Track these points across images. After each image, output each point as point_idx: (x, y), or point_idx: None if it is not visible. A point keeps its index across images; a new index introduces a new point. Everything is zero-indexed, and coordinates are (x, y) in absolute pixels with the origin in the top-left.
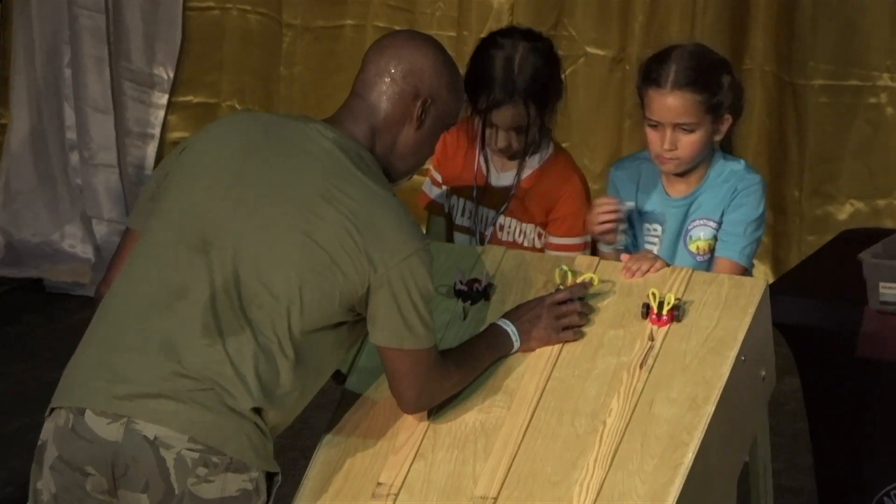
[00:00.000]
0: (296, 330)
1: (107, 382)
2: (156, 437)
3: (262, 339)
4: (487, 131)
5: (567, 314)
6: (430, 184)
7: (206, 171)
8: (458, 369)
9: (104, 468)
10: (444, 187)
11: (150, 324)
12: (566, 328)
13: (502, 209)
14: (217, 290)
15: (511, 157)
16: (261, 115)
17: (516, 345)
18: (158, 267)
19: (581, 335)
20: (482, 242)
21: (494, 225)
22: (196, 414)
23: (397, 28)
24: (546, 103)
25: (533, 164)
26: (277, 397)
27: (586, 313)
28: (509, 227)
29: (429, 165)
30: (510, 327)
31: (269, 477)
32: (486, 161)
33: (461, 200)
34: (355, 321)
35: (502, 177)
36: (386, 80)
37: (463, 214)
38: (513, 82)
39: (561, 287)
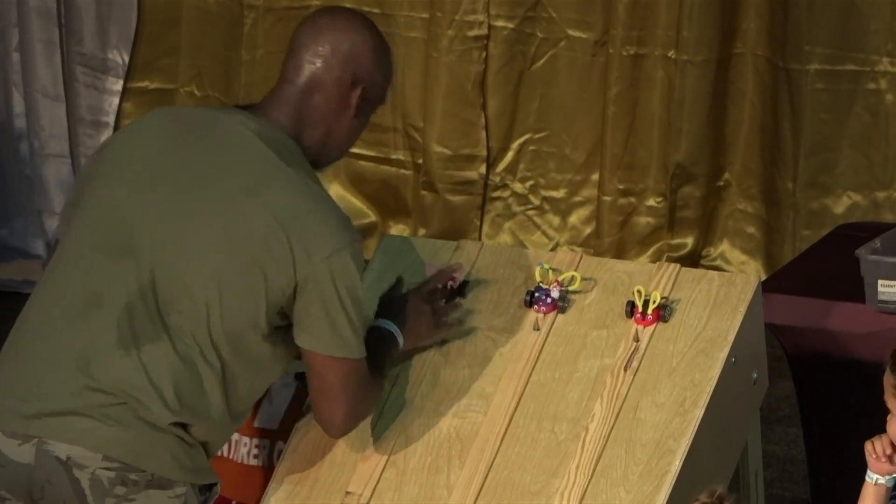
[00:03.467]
0: (217, 336)
1: (17, 401)
2: (68, 458)
3: (181, 347)
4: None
5: (443, 307)
6: None
7: (122, 173)
8: (375, 384)
9: (21, 492)
10: None
11: (64, 335)
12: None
13: None
14: (133, 296)
15: None
16: (180, 110)
17: (401, 343)
18: (75, 275)
19: (458, 330)
20: None
21: None
22: (110, 430)
23: (365, 9)
24: None
25: None
26: (201, 410)
27: (456, 304)
28: None
29: None
30: (392, 327)
31: (208, 487)
32: None
33: None
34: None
35: None
36: (320, 65)
37: None
38: None
39: (542, 284)
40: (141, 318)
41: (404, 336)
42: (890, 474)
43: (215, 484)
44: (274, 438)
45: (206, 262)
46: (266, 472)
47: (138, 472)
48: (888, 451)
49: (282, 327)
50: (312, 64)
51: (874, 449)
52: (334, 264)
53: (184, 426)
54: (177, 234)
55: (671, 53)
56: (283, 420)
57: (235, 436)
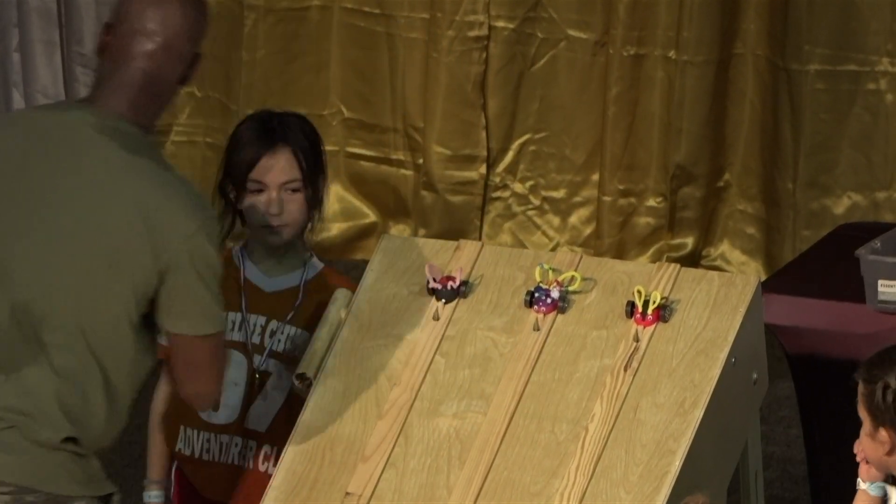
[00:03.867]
0: (94, 342)
1: None
2: None
3: (60, 363)
4: (250, 207)
5: None
6: None
7: None
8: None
9: None
10: None
11: None
12: None
13: (288, 317)
14: (5, 322)
15: (282, 241)
16: (20, 117)
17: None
18: None
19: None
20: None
21: (264, 333)
22: (0, 456)
23: (366, 10)
24: (317, 169)
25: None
26: (88, 420)
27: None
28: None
29: None
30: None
31: (107, 498)
32: (244, 262)
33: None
34: None
35: (273, 282)
36: (155, 45)
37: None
38: (281, 130)
39: (542, 285)
40: (16, 341)
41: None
42: (874, 481)
43: (113, 493)
44: (262, 441)
45: (71, 273)
46: (250, 473)
47: (34, 493)
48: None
49: (148, 315)
50: (148, 45)
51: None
52: (192, 246)
53: (74, 440)
54: (38, 250)
55: (671, 54)
56: (273, 423)
57: (225, 438)
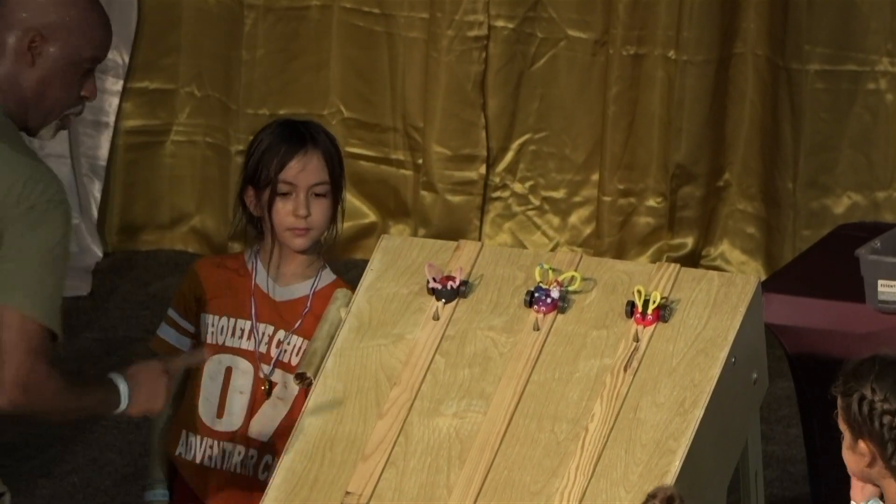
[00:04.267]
0: None
1: None
2: None
3: None
4: (277, 210)
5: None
6: (176, 334)
7: None
8: (68, 385)
9: None
10: (191, 340)
11: None
12: None
13: (296, 326)
14: None
15: (306, 244)
16: None
17: (123, 403)
18: None
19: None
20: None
21: (271, 343)
22: None
23: (365, 9)
24: (341, 176)
25: (322, 277)
26: None
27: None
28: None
29: (173, 314)
30: (122, 384)
31: None
32: (256, 268)
33: (232, 321)
34: None
35: (283, 290)
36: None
37: (234, 335)
38: (309, 134)
39: (542, 284)
40: None
41: (132, 399)
42: (867, 499)
43: (3, 493)
44: (263, 450)
45: None
46: (250, 482)
47: None
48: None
49: None
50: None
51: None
52: (38, 218)
53: None
54: None
55: (671, 53)
56: (275, 433)
57: (228, 445)
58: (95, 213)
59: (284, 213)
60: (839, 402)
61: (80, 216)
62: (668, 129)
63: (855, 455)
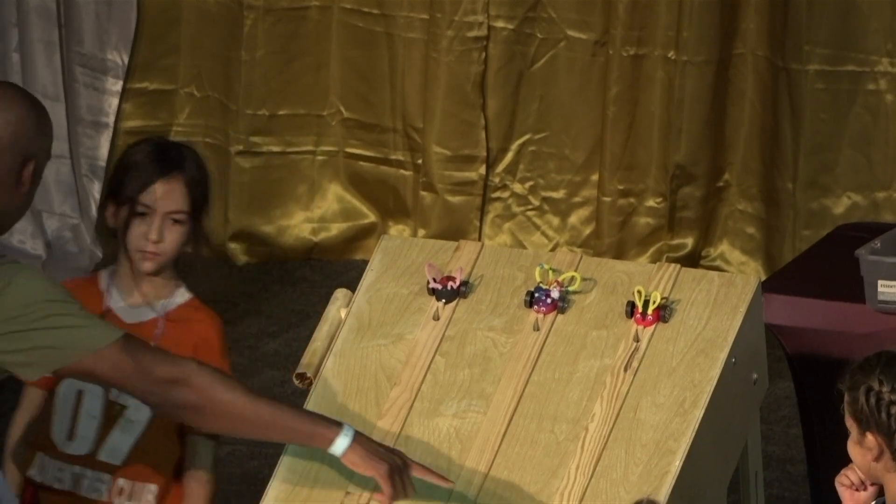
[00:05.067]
0: None
1: None
2: None
3: None
4: (132, 229)
5: (405, 482)
6: None
7: None
8: (247, 393)
9: None
10: None
11: None
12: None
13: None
14: None
15: (154, 268)
16: None
17: (341, 443)
18: None
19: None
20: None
21: None
22: None
23: (365, 10)
24: (204, 204)
25: (175, 298)
26: None
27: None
28: None
29: None
30: (351, 430)
31: None
32: (111, 289)
33: None
34: None
35: (134, 312)
36: None
37: None
38: (178, 159)
39: (542, 285)
40: None
41: (353, 443)
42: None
43: None
44: (117, 474)
45: None
46: None
47: None
48: (862, 477)
49: None
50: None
51: (851, 482)
52: (8, 298)
53: None
54: None
55: (671, 54)
56: (129, 457)
57: (78, 469)
58: (95, 213)
59: (138, 233)
60: (846, 397)
61: (79, 216)
62: (667, 129)
63: (862, 449)
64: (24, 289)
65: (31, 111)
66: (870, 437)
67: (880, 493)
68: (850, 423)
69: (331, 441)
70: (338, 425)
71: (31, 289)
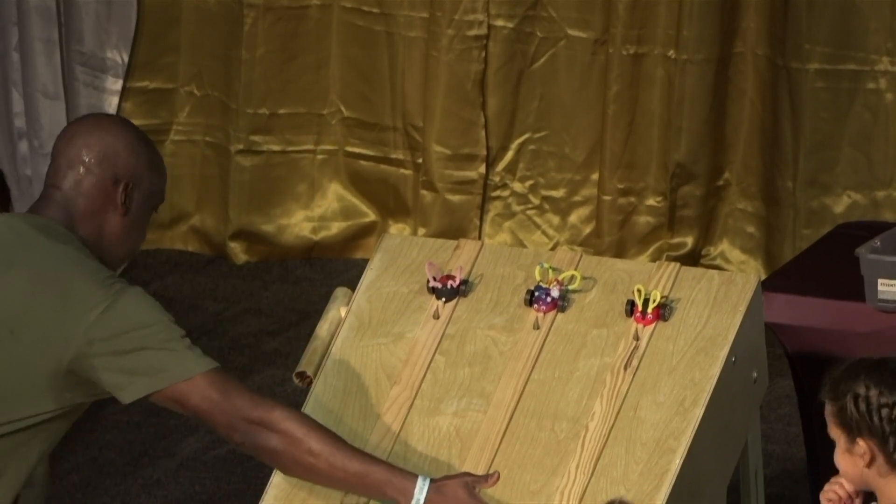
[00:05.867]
0: None
1: None
2: None
3: None
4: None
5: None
6: None
7: None
8: (336, 449)
9: None
10: None
11: None
12: None
13: None
14: None
15: None
16: None
17: (418, 497)
18: None
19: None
20: None
21: None
22: None
23: (365, 9)
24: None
25: None
26: None
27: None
28: None
29: None
30: (426, 483)
31: None
32: None
33: None
34: (76, 407)
35: None
36: (80, 169)
37: None
38: None
39: (542, 283)
40: None
41: (429, 494)
42: None
43: None
44: None
45: None
46: None
47: None
48: (849, 490)
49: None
50: (71, 169)
51: (839, 496)
52: (106, 323)
53: None
54: None
55: (671, 52)
56: None
57: None
58: None
59: None
60: (830, 409)
61: None
62: (667, 128)
63: (853, 458)
64: (128, 310)
65: (128, 139)
66: (861, 444)
67: (866, 500)
68: (835, 434)
69: (410, 496)
70: (413, 477)
71: (134, 311)
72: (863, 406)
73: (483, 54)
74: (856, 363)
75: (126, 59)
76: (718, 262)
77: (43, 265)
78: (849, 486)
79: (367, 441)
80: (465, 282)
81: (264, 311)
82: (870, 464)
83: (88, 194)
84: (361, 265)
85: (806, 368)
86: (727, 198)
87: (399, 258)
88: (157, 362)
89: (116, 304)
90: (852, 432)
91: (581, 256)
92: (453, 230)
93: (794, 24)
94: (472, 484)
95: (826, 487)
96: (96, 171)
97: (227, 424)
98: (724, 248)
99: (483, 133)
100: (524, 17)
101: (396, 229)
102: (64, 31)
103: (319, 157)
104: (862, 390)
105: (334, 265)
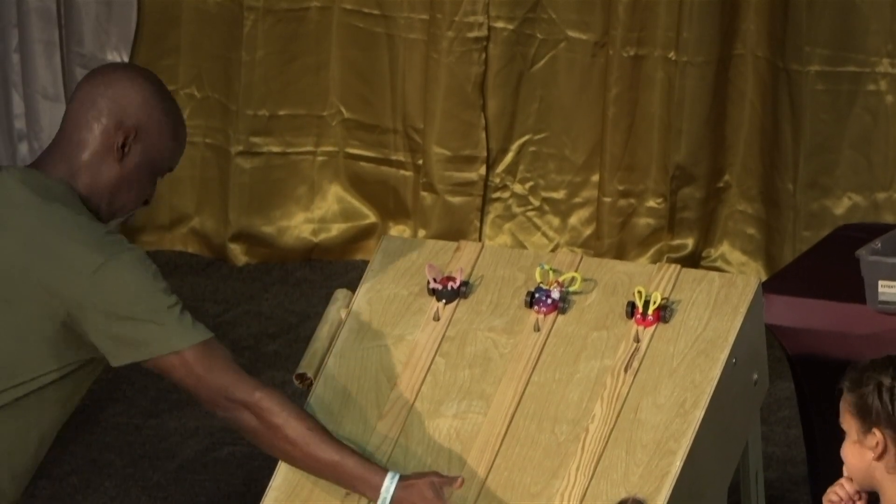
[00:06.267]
0: None
1: None
2: None
3: None
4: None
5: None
6: None
7: None
8: (314, 434)
9: None
10: None
11: None
12: None
13: None
14: None
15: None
16: None
17: (385, 497)
18: None
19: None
20: None
21: None
22: None
23: (365, 11)
24: None
25: None
26: None
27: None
28: None
29: None
30: (394, 481)
31: None
32: None
33: None
34: (80, 366)
35: None
36: (91, 112)
37: None
38: None
39: (542, 285)
40: None
41: (397, 492)
42: None
43: None
44: None
45: None
46: None
47: None
48: (851, 491)
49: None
50: (83, 110)
51: (840, 497)
52: (99, 285)
53: None
54: None
55: (671, 54)
56: None
57: None
58: None
59: None
60: (848, 397)
61: None
62: (668, 130)
63: (862, 449)
64: (118, 275)
65: (147, 91)
66: (875, 434)
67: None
68: (848, 424)
69: (377, 488)
70: (383, 472)
71: (124, 277)
72: (886, 396)
73: (483, 56)
74: (885, 357)
75: (126, 60)
76: (719, 263)
77: (34, 229)
78: (850, 488)
79: (367, 443)
80: (465, 283)
81: (264, 313)
82: (880, 456)
83: (91, 136)
84: (361, 267)
85: (806, 370)
86: (727, 200)
87: (399, 260)
88: (141, 334)
89: (107, 268)
90: (868, 422)
91: (581, 258)
92: (453, 232)
93: (794, 25)
94: (440, 485)
95: (829, 490)
96: (104, 114)
97: (209, 400)
98: (725, 249)
99: (483, 135)
100: (524, 19)
101: (396, 231)
102: (64, 32)
103: (319, 158)
104: (888, 381)
105: (334, 267)
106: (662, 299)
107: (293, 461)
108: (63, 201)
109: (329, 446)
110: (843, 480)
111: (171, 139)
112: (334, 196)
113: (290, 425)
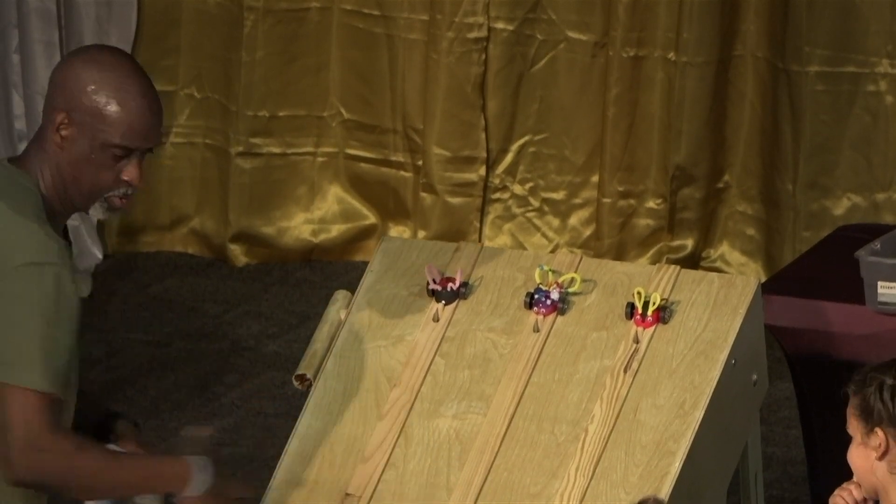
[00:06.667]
0: None
1: None
2: None
3: None
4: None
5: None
6: None
7: None
8: (105, 457)
9: None
10: None
11: None
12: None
13: None
14: None
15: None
16: None
17: (196, 483)
18: None
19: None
20: None
21: None
22: None
23: (365, 11)
24: None
25: None
26: None
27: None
28: None
29: None
30: (200, 462)
31: None
32: None
33: None
34: None
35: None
36: (45, 102)
37: None
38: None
39: (541, 286)
40: None
41: (206, 478)
42: None
43: None
44: None
45: None
46: None
47: None
48: (858, 497)
49: None
50: (44, 98)
51: (846, 502)
52: (28, 276)
53: None
54: None
55: (671, 55)
56: None
57: None
58: None
59: None
60: (853, 400)
61: (79, 218)
62: (667, 130)
63: (866, 450)
64: (30, 285)
65: (84, 70)
66: (878, 433)
67: None
68: (853, 427)
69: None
70: (187, 469)
71: (31, 289)
72: (887, 395)
73: (483, 57)
74: (891, 360)
75: None
76: (718, 264)
77: None
78: (858, 494)
79: (366, 443)
80: (464, 284)
81: (264, 313)
82: (882, 456)
83: (44, 130)
84: (361, 268)
85: (806, 371)
86: (727, 200)
87: (399, 261)
88: (9, 351)
89: (27, 271)
90: (871, 422)
91: (581, 259)
92: (453, 232)
93: (793, 26)
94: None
95: (836, 492)
96: (48, 107)
97: (22, 447)
98: (724, 250)
99: (483, 135)
100: (524, 20)
101: (396, 232)
102: (64, 33)
103: (319, 159)
104: (890, 381)
105: (334, 268)
106: (662, 300)
107: (103, 485)
108: (14, 198)
109: (129, 458)
110: (851, 486)
111: (109, 111)
112: (334, 197)
113: (92, 454)
